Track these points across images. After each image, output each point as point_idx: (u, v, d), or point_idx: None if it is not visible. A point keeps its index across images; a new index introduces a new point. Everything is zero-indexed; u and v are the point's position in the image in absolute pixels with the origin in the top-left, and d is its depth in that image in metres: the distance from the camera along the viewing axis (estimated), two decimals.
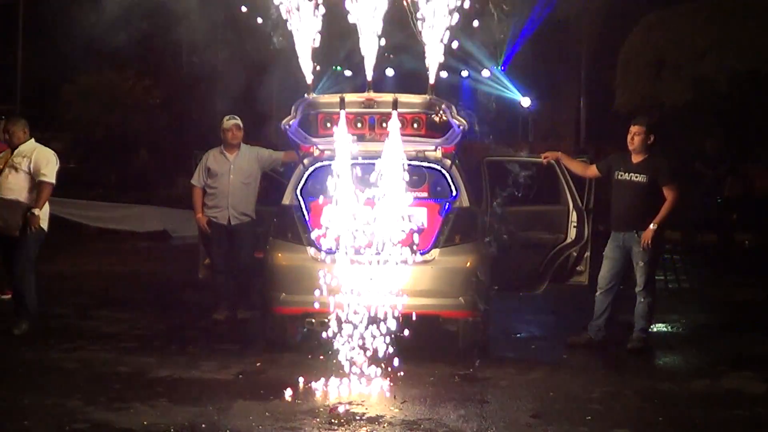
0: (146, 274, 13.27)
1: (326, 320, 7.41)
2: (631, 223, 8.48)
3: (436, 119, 8.10)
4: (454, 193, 8.24)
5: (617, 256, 8.58)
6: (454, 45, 7.27)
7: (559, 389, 7.14)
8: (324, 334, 7.37)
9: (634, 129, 8.56)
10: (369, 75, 7.45)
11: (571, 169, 9.10)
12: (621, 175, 8.58)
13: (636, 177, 8.50)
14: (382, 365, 7.08)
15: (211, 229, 9.55)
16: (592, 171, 8.93)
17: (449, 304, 7.93)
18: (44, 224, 8.79)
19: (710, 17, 20.60)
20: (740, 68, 19.73)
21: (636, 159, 8.56)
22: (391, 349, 7.15)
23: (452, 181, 8.29)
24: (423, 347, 7.76)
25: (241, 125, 9.61)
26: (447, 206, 8.15)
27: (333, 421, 6.28)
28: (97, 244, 16.73)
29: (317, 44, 7.36)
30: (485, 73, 30.58)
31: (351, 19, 7.07)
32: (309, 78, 7.64)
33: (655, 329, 9.70)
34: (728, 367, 7.91)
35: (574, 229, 9.18)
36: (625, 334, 8.69)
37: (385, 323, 7.17)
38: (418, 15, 7.12)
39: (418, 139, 8.42)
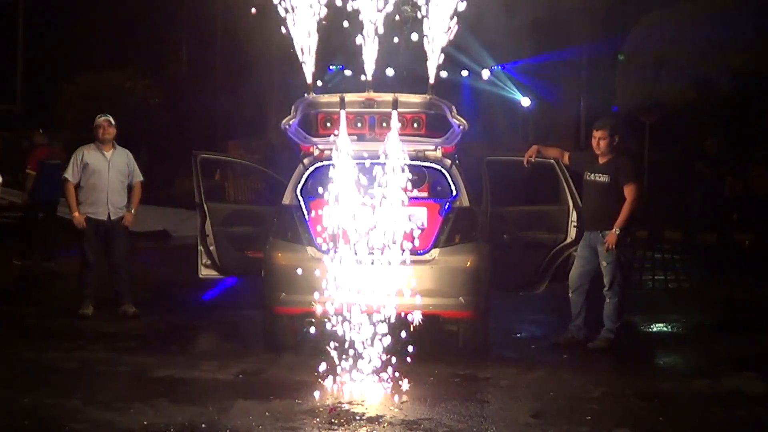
0: (146, 274, 13.23)
1: (326, 320, 7.39)
2: (596, 223, 8.56)
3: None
4: (454, 193, 8.24)
5: (586, 255, 8.65)
6: (454, 45, 7.26)
7: (559, 389, 7.13)
8: (323, 334, 7.36)
9: (597, 134, 8.60)
10: (369, 75, 7.44)
11: (549, 155, 9.03)
12: (589, 176, 8.66)
13: (599, 177, 8.58)
14: (382, 365, 7.08)
15: (88, 225, 9.55)
16: (565, 159, 8.94)
17: (449, 304, 7.93)
18: None
19: (710, 17, 20.59)
20: (740, 68, 19.73)
21: (602, 160, 8.64)
22: (391, 349, 7.14)
23: (452, 181, 8.29)
24: (423, 347, 7.75)
25: (113, 122, 9.63)
26: (447, 206, 8.14)
27: (333, 421, 6.27)
28: None
29: (316, 44, 7.34)
30: (485, 73, 30.56)
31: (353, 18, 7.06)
32: (309, 78, 7.63)
33: (655, 329, 9.71)
34: (728, 367, 7.90)
35: (574, 228, 9.15)
36: (623, 334, 8.68)
37: (385, 323, 7.16)
38: (419, 15, 7.12)
39: (418, 138, 8.42)
